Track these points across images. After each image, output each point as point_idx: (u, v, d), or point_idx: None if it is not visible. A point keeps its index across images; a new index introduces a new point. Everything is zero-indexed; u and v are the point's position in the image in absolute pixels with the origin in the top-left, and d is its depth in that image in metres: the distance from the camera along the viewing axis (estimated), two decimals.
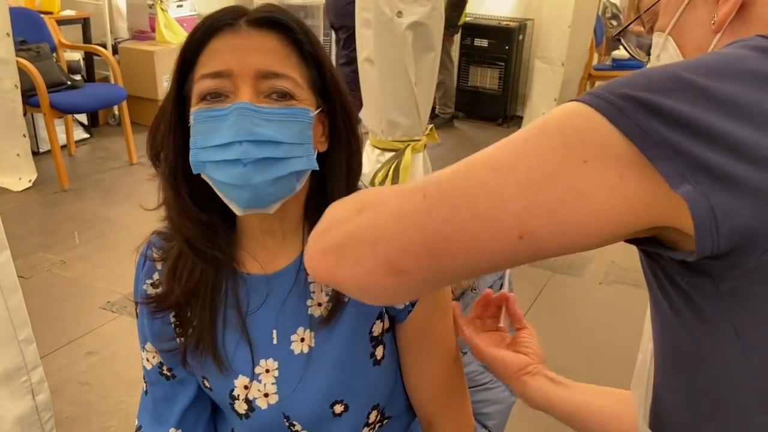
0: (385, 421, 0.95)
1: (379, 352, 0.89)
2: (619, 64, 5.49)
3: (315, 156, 0.80)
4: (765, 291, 0.47)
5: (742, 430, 0.51)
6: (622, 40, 0.80)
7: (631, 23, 0.76)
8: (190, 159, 0.78)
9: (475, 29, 5.40)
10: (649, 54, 0.74)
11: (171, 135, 0.81)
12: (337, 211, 0.60)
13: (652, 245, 0.52)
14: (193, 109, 0.78)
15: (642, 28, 0.75)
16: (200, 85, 0.78)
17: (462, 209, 0.49)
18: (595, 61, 5.71)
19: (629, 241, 0.53)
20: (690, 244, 0.47)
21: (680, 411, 0.56)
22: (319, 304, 0.87)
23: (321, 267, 0.58)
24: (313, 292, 0.87)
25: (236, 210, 0.80)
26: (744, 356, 0.48)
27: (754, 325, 0.48)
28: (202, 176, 0.79)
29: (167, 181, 0.83)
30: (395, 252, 0.52)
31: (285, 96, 0.78)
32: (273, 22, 0.79)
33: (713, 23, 0.62)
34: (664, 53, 0.67)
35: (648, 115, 0.46)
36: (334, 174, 0.85)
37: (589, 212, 0.47)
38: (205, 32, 0.79)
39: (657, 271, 0.54)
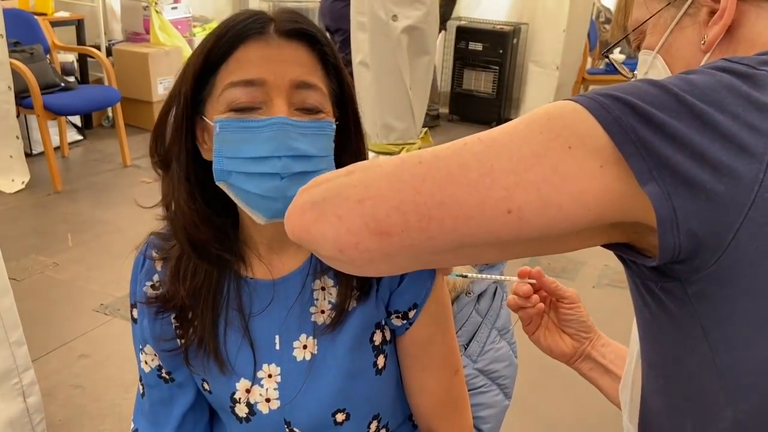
0: None
1: (381, 361, 0.89)
2: (612, 69, 5.51)
3: (334, 167, 0.81)
4: (725, 293, 0.50)
5: (713, 425, 0.53)
6: (610, 58, 0.82)
7: (618, 43, 0.78)
8: (214, 167, 0.77)
9: (469, 33, 5.42)
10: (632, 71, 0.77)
11: (183, 139, 0.81)
12: (325, 174, 0.59)
13: (628, 252, 0.55)
14: (219, 117, 0.77)
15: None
16: (229, 94, 0.77)
17: (456, 176, 0.51)
18: (588, 65, 5.74)
19: (608, 246, 0.56)
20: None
21: (663, 412, 0.58)
22: (322, 312, 0.87)
23: (297, 223, 0.56)
24: (317, 299, 0.87)
25: (259, 219, 0.79)
26: (711, 354, 0.51)
27: (718, 324, 0.51)
28: (219, 184, 0.79)
29: (181, 185, 0.82)
30: (384, 211, 0.51)
31: (313, 109, 0.79)
32: (302, 33, 0.79)
33: (703, 43, 0.65)
34: (653, 70, 0.70)
35: (628, 114, 0.49)
36: None
37: (571, 195, 0.49)
38: (232, 40, 0.78)
39: (636, 279, 0.57)
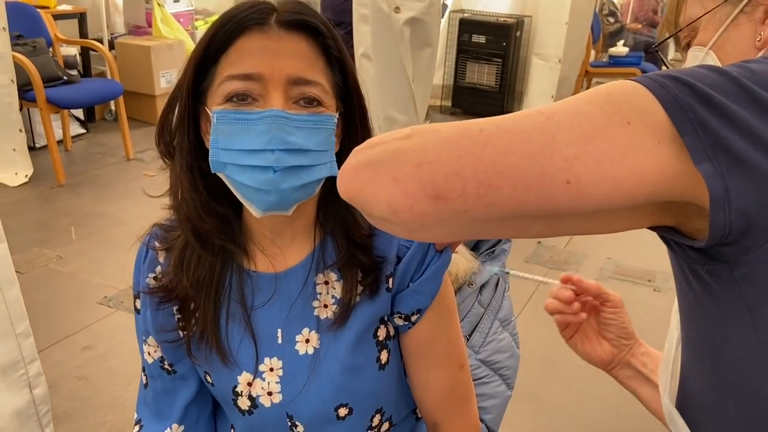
0: (391, 427, 0.96)
1: (384, 356, 0.89)
2: (615, 61, 5.50)
3: (335, 161, 0.80)
4: None
5: (754, 404, 0.54)
6: (660, 54, 0.83)
7: (668, 38, 0.79)
8: (210, 158, 0.77)
9: (472, 25, 5.40)
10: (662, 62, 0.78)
11: (186, 130, 0.81)
12: (381, 136, 0.59)
13: (674, 235, 0.56)
14: (216, 108, 0.77)
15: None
16: (227, 86, 0.76)
17: (517, 145, 0.51)
18: (591, 58, 5.72)
19: (654, 229, 0.57)
20: (707, 232, 0.50)
21: (705, 393, 0.59)
22: (325, 306, 0.87)
23: (351, 182, 0.56)
24: (320, 294, 0.87)
25: (255, 212, 0.79)
26: (757, 335, 0.52)
27: (765, 305, 0.52)
28: (219, 175, 0.79)
29: (184, 174, 0.81)
30: (443, 176, 0.51)
31: (313, 102, 0.77)
32: (303, 25, 0.78)
33: (759, 40, 0.66)
34: None
35: (687, 94, 0.50)
36: None
37: (629, 169, 0.50)
38: (233, 30, 0.77)
39: (681, 263, 0.57)
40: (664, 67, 0.85)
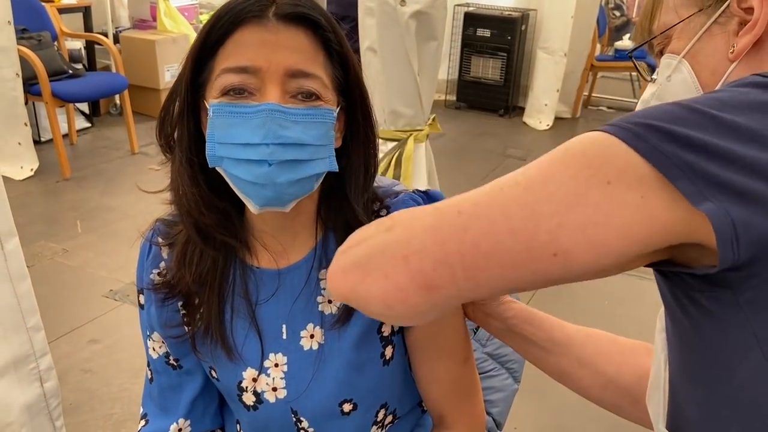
0: (396, 420, 0.96)
1: (389, 352, 0.89)
2: (621, 55, 5.47)
3: (335, 156, 0.79)
4: None
5: (766, 424, 0.53)
6: (634, 61, 0.82)
7: (642, 45, 0.77)
8: (207, 152, 0.76)
9: (477, 19, 5.38)
10: (651, 74, 0.77)
11: (185, 123, 0.80)
12: (363, 231, 0.60)
13: (671, 266, 0.55)
14: (213, 101, 0.76)
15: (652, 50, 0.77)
16: (224, 79, 0.75)
17: (499, 224, 0.51)
18: (597, 52, 5.69)
19: (647, 265, 0.56)
20: (709, 259, 0.50)
21: (702, 422, 0.58)
22: (330, 302, 0.87)
23: (342, 284, 0.57)
24: (324, 289, 0.87)
25: (252, 207, 0.78)
26: (765, 360, 0.51)
27: None
28: (217, 169, 0.78)
29: (183, 168, 0.81)
30: (430, 265, 0.52)
31: (311, 96, 0.76)
32: (303, 18, 0.76)
33: (731, 52, 0.65)
34: (677, 74, 0.71)
35: (665, 140, 0.49)
36: (352, 172, 0.83)
37: (617, 230, 0.49)
38: (230, 22, 0.75)
39: (676, 291, 0.56)
40: (641, 74, 0.84)
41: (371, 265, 0.54)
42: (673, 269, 0.55)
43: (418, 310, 0.54)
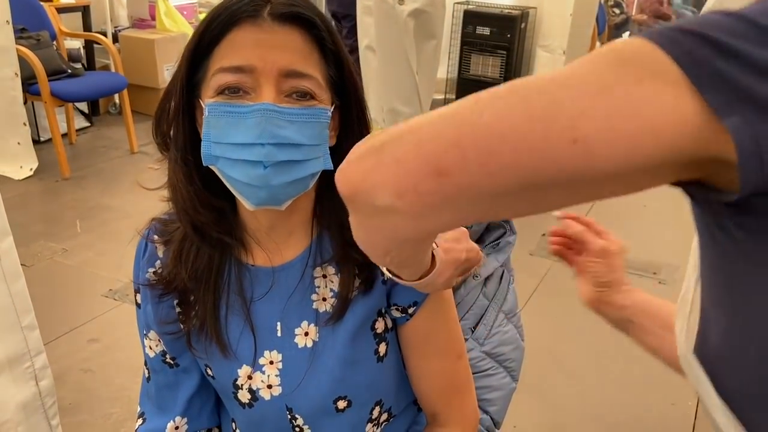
0: (391, 418, 0.96)
1: (383, 348, 0.90)
2: None
3: (329, 155, 0.80)
4: None
5: None
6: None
7: None
8: (202, 151, 0.77)
9: (477, 17, 5.38)
10: None
11: (180, 122, 0.80)
12: (382, 131, 0.58)
13: (700, 189, 0.53)
14: (208, 101, 0.76)
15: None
16: (219, 78, 0.76)
17: (517, 108, 0.49)
18: None
19: (677, 184, 0.54)
20: (737, 185, 0.47)
21: (726, 338, 0.58)
22: (324, 299, 0.87)
23: (354, 170, 0.55)
24: (318, 287, 0.87)
25: (248, 205, 0.79)
26: None
27: None
28: (212, 168, 0.78)
29: (179, 167, 0.81)
30: (442, 148, 0.50)
31: (305, 95, 0.76)
32: (297, 17, 0.76)
33: None
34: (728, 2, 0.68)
35: (701, 46, 0.46)
36: None
37: (643, 126, 0.47)
38: (225, 22, 0.76)
39: (706, 218, 0.55)
40: None
41: (385, 151, 0.52)
42: (701, 193, 0.53)
43: (429, 201, 0.51)
